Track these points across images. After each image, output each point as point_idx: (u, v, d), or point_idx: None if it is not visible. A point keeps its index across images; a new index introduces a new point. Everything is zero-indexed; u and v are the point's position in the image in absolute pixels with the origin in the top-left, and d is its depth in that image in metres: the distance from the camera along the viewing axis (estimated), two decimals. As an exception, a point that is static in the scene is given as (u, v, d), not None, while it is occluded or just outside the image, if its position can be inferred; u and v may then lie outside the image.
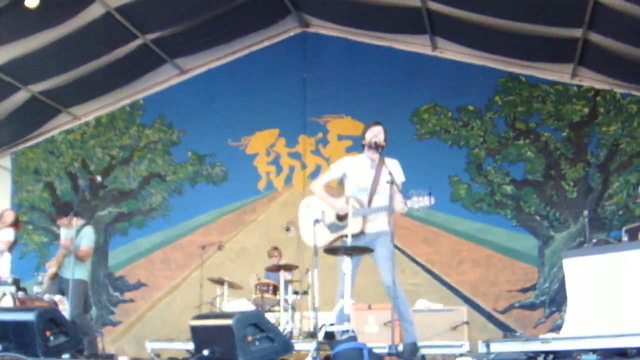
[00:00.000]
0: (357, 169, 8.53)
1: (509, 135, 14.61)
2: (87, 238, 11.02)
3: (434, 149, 14.89)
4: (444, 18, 13.74)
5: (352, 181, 8.52)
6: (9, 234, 11.59)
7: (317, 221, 8.25)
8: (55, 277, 10.89)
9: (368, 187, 8.35)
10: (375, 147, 8.41)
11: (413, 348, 8.06)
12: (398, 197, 8.11)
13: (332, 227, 8.40)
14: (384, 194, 8.19)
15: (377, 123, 8.57)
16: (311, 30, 16.32)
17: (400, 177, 8.34)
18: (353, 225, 8.10)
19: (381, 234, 8.24)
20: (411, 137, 14.95)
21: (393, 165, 8.34)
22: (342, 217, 8.38)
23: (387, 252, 8.06)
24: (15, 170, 17.56)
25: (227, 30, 15.67)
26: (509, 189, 14.40)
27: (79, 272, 10.80)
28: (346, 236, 8.08)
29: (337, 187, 9.02)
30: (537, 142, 14.43)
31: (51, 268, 10.98)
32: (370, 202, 8.31)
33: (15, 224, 11.74)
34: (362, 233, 8.18)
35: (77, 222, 11.15)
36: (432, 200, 7.87)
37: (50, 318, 7.86)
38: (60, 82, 15.46)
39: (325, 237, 8.41)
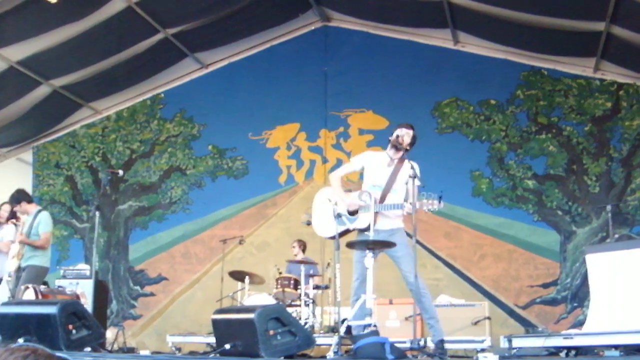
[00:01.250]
0: (375, 165, 8.54)
1: (530, 130, 14.55)
2: (44, 224, 11.01)
3: (456, 143, 14.84)
4: (466, 11, 13.68)
5: (369, 176, 8.53)
6: (9, 233, 11.56)
7: (339, 215, 8.24)
8: (19, 270, 10.83)
9: (382, 185, 8.35)
10: (397, 145, 8.38)
11: (442, 345, 8.02)
12: (414, 198, 8.14)
13: (340, 220, 8.38)
14: (399, 193, 8.25)
15: (410, 126, 8.52)
16: (332, 24, 16.30)
17: (417, 181, 8.26)
18: (362, 220, 8.13)
19: (395, 231, 8.28)
20: (432, 131, 14.90)
21: (414, 168, 8.30)
22: (353, 212, 8.37)
23: (405, 249, 8.10)
24: (37, 164, 17.65)
25: (248, 24, 15.66)
26: (530, 183, 14.34)
27: (36, 260, 10.81)
28: (355, 230, 8.12)
29: (357, 182, 9.02)
30: (559, 136, 14.35)
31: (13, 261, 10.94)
32: (382, 199, 8.30)
33: (13, 217, 11.69)
34: (367, 229, 8.11)
35: (33, 208, 11.20)
36: (442, 205, 7.85)
37: (73, 311, 7.89)
38: (81, 76, 15.51)
39: (332, 229, 8.38)
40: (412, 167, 8.03)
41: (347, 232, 8.44)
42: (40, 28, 13.51)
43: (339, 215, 8.22)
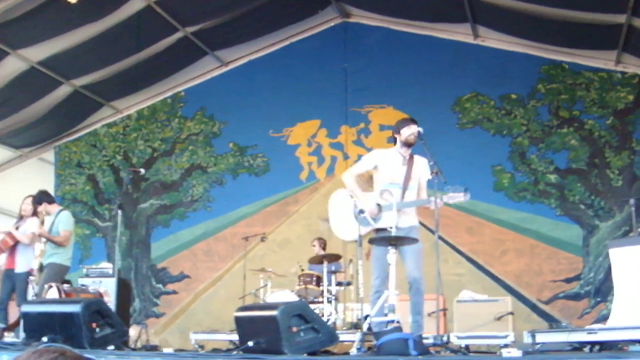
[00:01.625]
0: (389, 163, 8.56)
1: (552, 124, 14.48)
2: (64, 222, 11.08)
3: (477, 138, 14.80)
4: (485, 6, 13.64)
5: (385, 175, 8.52)
6: (32, 225, 11.58)
7: (361, 212, 8.24)
8: (41, 268, 10.90)
9: (400, 183, 8.37)
10: (411, 143, 8.43)
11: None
12: (423, 194, 8.33)
13: (363, 221, 8.36)
14: (414, 189, 8.36)
15: (414, 121, 8.55)
16: (352, 20, 16.27)
17: (426, 175, 8.40)
18: (388, 219, 8.10)
19: (413, 228, 8.32)
20: (453, 127, 14.87)
21: (422, 163, 8.43)
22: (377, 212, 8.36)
23: (418, 246, 8.09)
24: (58, 164, 17.75)
25: (268, 21, 15.68)
26: (552, 177, 14.28)
27: (57, 257, 10.87)
28: (380, 230, 8.10)
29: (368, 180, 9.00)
30: (581, 130, 14.28)
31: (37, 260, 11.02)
32: (402, 197, 8.32)
33: (36, 213, 11.72)
34: (395, 226, 8.09)
35: (55, 208, 11.27)
36: (468, 196, 7.83)
37: (96, 310, 7.93)
38: (101, 76, 15.60)
39: (357, 231, 8.35)
40: (433, 161, 8.06)
41: (373, 232, 8.40)
42: (60, 28, 13.58)
43: (361, 212, 8.22)
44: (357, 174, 8.79)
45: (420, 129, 8.37)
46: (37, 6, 12.60)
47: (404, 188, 8.35)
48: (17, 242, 11.32)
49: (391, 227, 7.89)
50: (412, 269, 8.09)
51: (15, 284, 11.16)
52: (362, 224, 8.33)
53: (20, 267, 11.25)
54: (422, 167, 8.40)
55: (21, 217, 11.55)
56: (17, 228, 11.42)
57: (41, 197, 11.37)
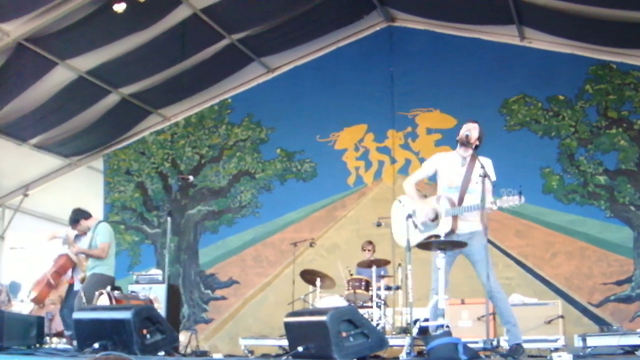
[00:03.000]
0: (448, 167, 8.40)
1: (600, 124, 14.36)
2: (101, 235, 11.14)
3: (525, 140, 14.70)
4: (531, 7, 13.56)
5: (444, 179, 8.40)
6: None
7: (409, 216, 8.21)
8: (84, 280, 10.97)
9: (459, 186, 8.21)
10: (466, 142, 8.28)
11: (517, 348, 7.86)
12: (488, 196, 8.00)
13: (422, 227, 8.29)
14: (475, 192, 8.03)
15: (475, 122, 8.42)
16: (397, 24, 16.27)
17: (492, 177, 8.15)
18: (444, 225, 8.03)
19: (475, 234, 8.12)
20: (501, 129, 14.79)
21: (486, 164, 8.16)
22: (433, 218, 8.27)
23: (483, 253, 7.96)
24: (107, 172, 17.95)
25: (313, 27, 15.74)
26: (602, 179, 14.15)
27: (98, 269, 10.98)
28: (437, 236, 8.02)
29: (430, 185, 8.94)
30: (630, 130, 14.14)
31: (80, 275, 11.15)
32: (461, 200, 8.15)
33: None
34: (452, 232, 8.06)
35: (92, 222, 11.35)
36: (523, 199, 7.72)
37: (147, 316, 7.98)
38: (149, 84, 15.75)
39: (416, 237, 8.28)
40: (482, 166, 7.93)
41: (432, 238, 8.22)
42: (108, 38, 13.74)
43: (409, 216, 8.19)
44: (416, 180, 8.66)
45: (469, 133, 8.27)
46: (85, 17, 12.74)
47: (463, 191, 8.17)
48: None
49: (445, 234, 7.86)
50: (484, 279, 7.86)
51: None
52: (413, 229, 8.27)
53: (77, 285, 11.44)
54: (485, 168, 8.07)
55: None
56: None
57: (76, 217, 11.44)
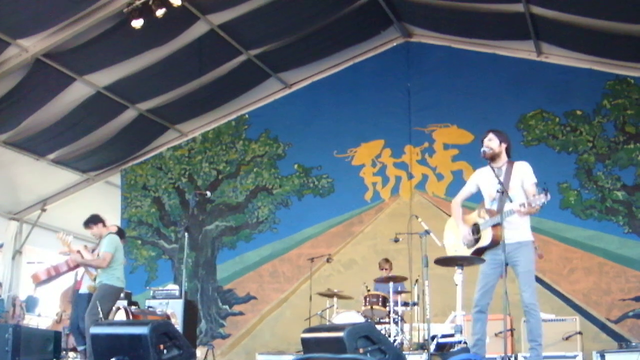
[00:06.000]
0: (486, 180, 8.31)
1: (618, 140, 14.32)
2: (105, 245, 11.04)
3: (542, 155, 14.62)
4: (548, 22, 13.55)
5: (485, 194, 8.34)
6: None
7: (427, 232, 8.20)
8: (95, 290, 10.93)
9: (497, 196, 8.06)
10: (490, 156, 8.20)
11: None
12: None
13: (469, 243, 8.22)
14: (518, 199, 7.87)
15: (489, 131, 8.36)
16: (414, 39, 16.29)
17: (529, 179, 8.06)
18: (485, 238, 7.98)
19: (523, 244, 7.98)
20: (518, 144, 14.70)
21: (521, 168, 8.14)
22: (477, 231, 8.20)
23: (529, 266, 7.89)
24: (125, 187, 18.00)
25: (330, 43, 15.79)
26: (620, 194, 14.10)
27: (103, 278, 10.86)
28: (483, 248, 7.99)
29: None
30: (648, 145, 14.13)
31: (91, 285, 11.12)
32: (500, 209, 7.96)
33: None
34: (496, 242, 7.89)
35: (104, 230, 11.32)
36: (549, 196, 7.62)
37: (164, 331, 7.97)
38: (166, 99, 15.81)
39: (464, 253, 8.21)
40: (501, 182, 7.86)
41: (480, 251, 8.15)
42: (125, 54, 13.82)
43: (427, 232, 8.17)
44: (461, 199, 8.58)
45: (487, 148, 8.20)
46: (103, 33, 12.82)
47: (502, 200, 8.01)
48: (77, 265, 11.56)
49: (487, 245, 7.79)
50: (523, 292, 7.83)
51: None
52: (469, 246, 8.18)
53: (83, 289, 11.47)
54: (520, 171, 8.07)
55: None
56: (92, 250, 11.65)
57: (87, 220, 11.37)
